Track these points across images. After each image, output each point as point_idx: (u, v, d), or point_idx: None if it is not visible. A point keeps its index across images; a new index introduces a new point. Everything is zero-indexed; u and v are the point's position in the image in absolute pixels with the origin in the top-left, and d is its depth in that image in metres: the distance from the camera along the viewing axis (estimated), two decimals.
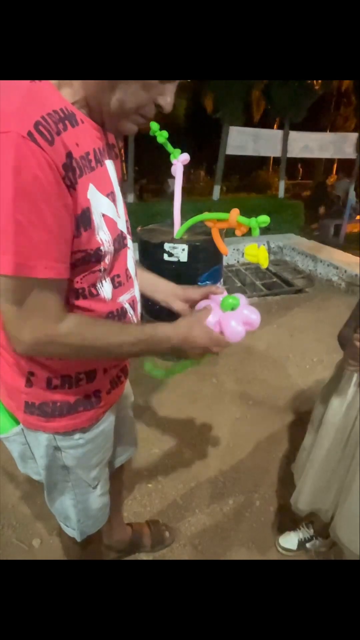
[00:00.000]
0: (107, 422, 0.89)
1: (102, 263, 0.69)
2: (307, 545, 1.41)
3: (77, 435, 0.82)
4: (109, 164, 0.73)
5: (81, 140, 0.61)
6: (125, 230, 0.78)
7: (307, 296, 3.63)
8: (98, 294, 0.71)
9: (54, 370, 0.75)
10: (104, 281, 0.72)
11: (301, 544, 1.41)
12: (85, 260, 0.66)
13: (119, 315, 0.77)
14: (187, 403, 2.17)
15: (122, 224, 0.77)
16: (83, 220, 0.62)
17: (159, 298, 0.91)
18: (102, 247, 0.67)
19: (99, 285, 0.71)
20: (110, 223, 0.70)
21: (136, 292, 0.84)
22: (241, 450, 1.87)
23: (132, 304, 0.81)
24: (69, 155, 0.58)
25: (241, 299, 0.82)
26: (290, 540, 1.42)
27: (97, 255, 0.67)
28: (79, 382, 0.78)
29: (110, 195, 0.71)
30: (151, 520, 1.49)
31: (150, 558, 1.40)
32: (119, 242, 0.74)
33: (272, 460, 1.81)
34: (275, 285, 3.89)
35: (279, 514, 1.56)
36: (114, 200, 0.72)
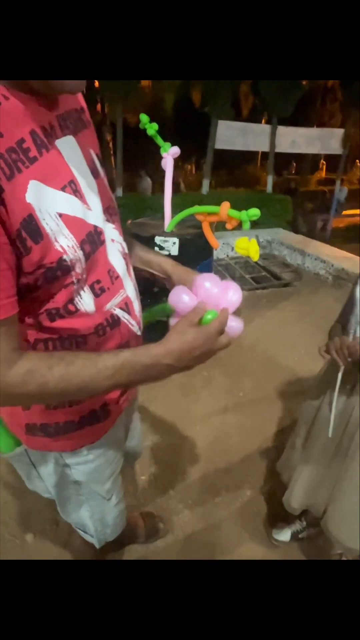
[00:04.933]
0: (117, 431, 0.83)
1: (72, 274, 0.56)
2: (300, 536, 1.43)
3: (85, 451, 0.76)
4: (66, 143, 0.57)
5: (7, 126, 0.47)
6: (101, 223, 0.64)
7: (295, 290, 3.66)
8: (78, 310, 0.60)
9: None
10: (82, 292, 0.60)
11: (294, 535, 1.43)
12: (49, 276, 0.54)
13: (110, 325, 0.66)
14: (178, 396, 2.17)
15: (97, 217, 0.62)
16: (28, 231, 0.49)
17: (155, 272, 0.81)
18: (65, 256, 0.54)
19: (76, 300, 0.59)
20: (74, 222, 0.56)
21: (129, 292, 0.71)
22: (232, 442, 1.88)
23: (126, 307, 0.70)
24: None
25: (233, 291, 0.67)
26: (283, 534, 1.43)
27: (62, 267, 0.54)
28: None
29: (69, 185, 0.56)
30: (145, 512, 1.49)
31: (145, 549, 1.40)
32: (92, 242, 0.60)
33: (263, 451, 1.83)
34: (264, 279, 3.91)
35: (270, 503, 1.58)
36: (75, 191, 0.58)
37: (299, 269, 4.14)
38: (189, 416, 2.03)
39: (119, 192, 5.55)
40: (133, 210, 4.66)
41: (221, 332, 0.61)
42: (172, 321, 0.66)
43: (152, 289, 2.13)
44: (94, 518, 0.87)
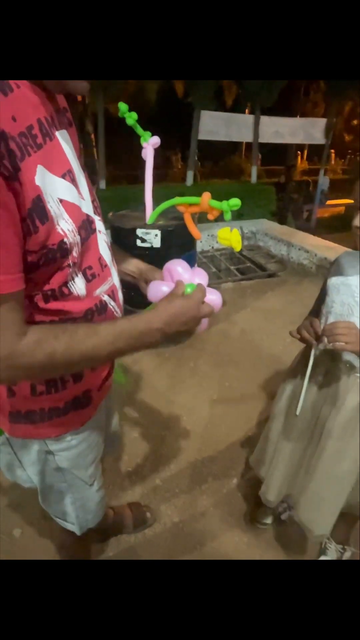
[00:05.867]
0: (99, 417, 0.86)
1: (69, 257, 0.60)
2: (282, 517, 1.46)
3: (69, 437, 0.79)
4: (62, 136, 0.62)
5: (20, 112, 0.50)
6: (92, 213, 0.70)
7: (279, 280, 3.70)
8: (71, 293, 0.64)
9: None
10: (75, 277, 0.64)
11: (277, 517, 1.47)
12: (50, 258, 0.57)
13: (99, 310, 0.70)
14: (165, 387, 2.19)
15: (88, 206, 0.68)
16: (37, 212, 0.53)
17: (127, 273, 0.88)
18: (65, 240, 0.58)
19: (70, 283, 0.63)
20: (72, 209, 0.60)
21: (115, 280, 0.77)
22: (218, 431, 1.91)
23: (112, 295, 0.75)
24: (2, 135, 0.47)
25: (200, 278, 0.75)
26: (267, 517, 1.47)
27: (62, 250, 0.58)
28: (65, 384, 0.72)
29: (68, 174, 0.61)
30: (132, 502, 1.51)
31: (132, 538, 1.42)
32: (86, 229, 0.66)
33: (248, 439, 1.86)
34: (249, 270, 3.93)
35: (254, 488, 1.60)
36: (72, 180, 0.62)
37: (283, 259, 4.17)
38: (175, 407, 2.05)
39: (102, 184, 5.47)
40: (116, 202, 4.64)
41: (202, 300, 0.68)
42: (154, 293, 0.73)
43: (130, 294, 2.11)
44: (76, 505, 0.88)
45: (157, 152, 2.18)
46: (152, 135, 2.07)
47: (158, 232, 2.19)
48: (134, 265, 0.88)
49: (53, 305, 0.63)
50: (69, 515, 0.90)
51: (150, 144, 2.09)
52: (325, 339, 0.95)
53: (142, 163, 2.28)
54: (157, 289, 0.73)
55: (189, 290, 0.70)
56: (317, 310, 1.12)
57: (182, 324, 0.65)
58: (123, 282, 0.87)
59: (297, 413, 1.08)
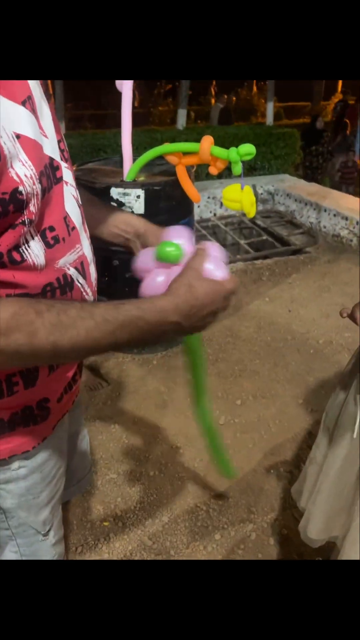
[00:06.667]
0: (58, 439, 0.86)
1: (25, 212, 0.61)
2: None
3: (15, 464, 0.78)
4: None
5: None
6: (58, 157, 0.70)
7: (308, 258, 3.71)
8: (24, 260, 0.64)
9: None
10: (31, 240, 0.65)
11: None
12: None
13: (61, 287, 0.71)
14: (153, 409, 2.18)
15: (53, 147, 0.69)
16: None
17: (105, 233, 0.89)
18: (21, 188, 0.58)
19: (23, 248, 0.64)
20: (33, 147, 0.60)
21: (85, 249, 0.77)
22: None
23: (82, 269, 0.75)
24: None
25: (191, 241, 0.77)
26: None
27: (15, 201, 0.59)
28: (13, 387, 0.72)
29: (28, 101, 0.61)
30: None
31: None
32: (49, 176, 0.66)
33: (270, 478, 1.86)
34: (266, 245, 3.94)
35: (282, 548, 1.60)
36: (33, 110, 0.62)
37: (312, 229, 4.18)
38: (168, 434, 2.04)
39: (61, 128, 5.46)
40: (81, 153, 4.60)
41: (234, 291, 0.71)
42: (147, 287, 0.75)
43: (112, 263, 2.13)
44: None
45: (137, 83, 2.15)
46: None
47: (141, 192, 2.18)
48: (125, 221, 0.88)
49: (1, 275, 0.64)
50: None
51: None
52: None
53: (116, 98, 2.26)
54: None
55: (175, 252, 0.72)
56: None
57: (201, 319, 0.68)
58: (105, 251, 0.86)
59: (355, 435, 1.11)
